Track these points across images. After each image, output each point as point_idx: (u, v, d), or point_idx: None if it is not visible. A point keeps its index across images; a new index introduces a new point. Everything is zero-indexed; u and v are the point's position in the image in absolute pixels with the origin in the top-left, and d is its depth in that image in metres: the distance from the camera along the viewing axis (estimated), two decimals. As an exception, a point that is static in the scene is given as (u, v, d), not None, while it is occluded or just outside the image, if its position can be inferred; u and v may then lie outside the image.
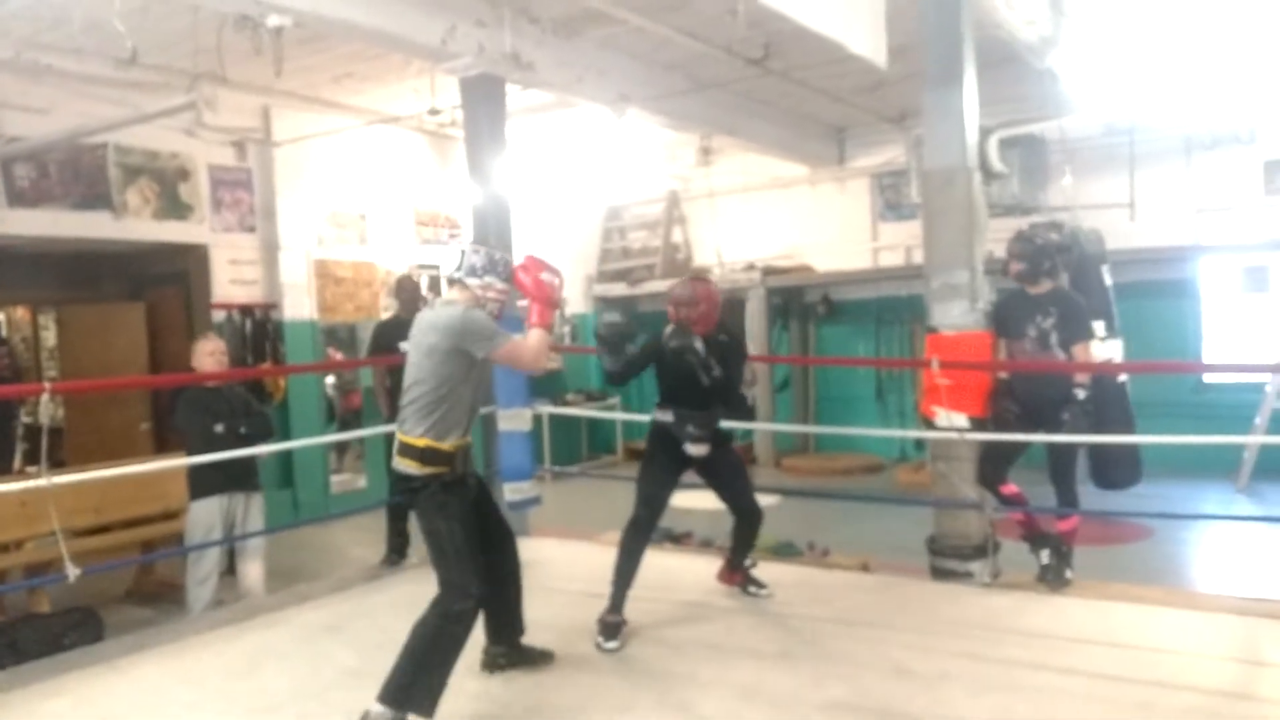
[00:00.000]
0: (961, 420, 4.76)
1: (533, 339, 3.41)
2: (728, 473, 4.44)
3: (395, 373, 5.79)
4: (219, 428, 4.95)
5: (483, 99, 6.27)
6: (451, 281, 3.49)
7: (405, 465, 3.33)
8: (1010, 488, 4.80)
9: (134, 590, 6.37)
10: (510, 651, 3.75)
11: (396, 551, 5.67)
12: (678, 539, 5.85)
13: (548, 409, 7.45)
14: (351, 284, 8.78)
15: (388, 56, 7.14)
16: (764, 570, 5.17)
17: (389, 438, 5.61)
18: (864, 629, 4.18)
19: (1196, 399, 8.83)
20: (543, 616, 4.42)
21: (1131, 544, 6.55)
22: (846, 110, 9.53)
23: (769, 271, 10.62)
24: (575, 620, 4.30)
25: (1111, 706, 3.30)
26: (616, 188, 11.66)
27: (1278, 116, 8.45)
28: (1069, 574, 4.69)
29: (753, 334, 10.36)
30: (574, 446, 10.87)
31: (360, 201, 8.99)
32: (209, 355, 5.14)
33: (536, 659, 3.79)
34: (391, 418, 5.66)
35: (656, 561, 5.48)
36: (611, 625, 4.03)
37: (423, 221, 9.51)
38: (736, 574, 4.65)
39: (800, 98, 8.97)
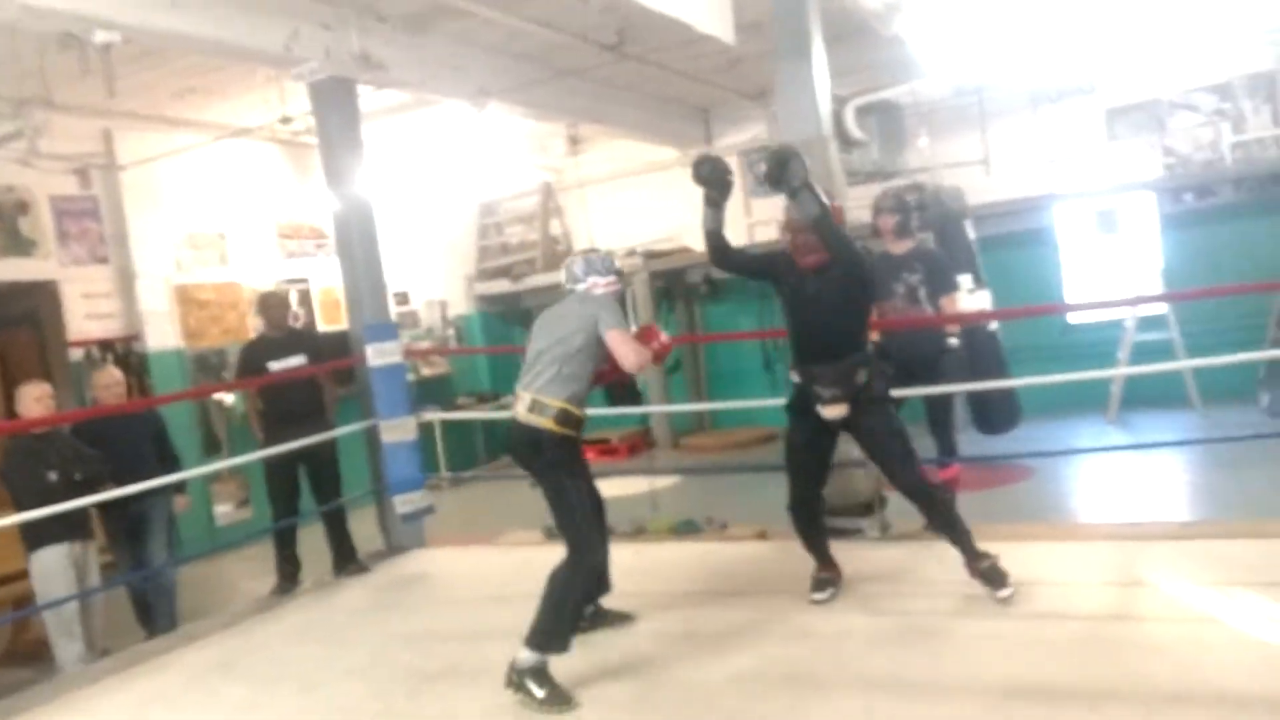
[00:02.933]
0: (839, 383, 4.85)
1: (641, 348, 3.60)
2: (874, 441, 3.95)
3: (266, 395, 5.61)
4: (53, 475, 4.72)
5: (334, 103, 6.10)
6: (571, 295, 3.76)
7: (539, 421, 3.51)
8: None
9: (12, 651, 5.98)
10: (594, 614, 3.94)
11: (288, 579, 5.50)
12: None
13: (438, 415, 7.32)
14: (216, 306, 8.41)
15: (231, 67, 6.84)
16: (665, 551, 5.22)
17: (267, 464, 5.48)
18: (765, 597, 4.23)
19: (1063, 340, 9.25)
20: (444, 627, 4.36)
21: (1013, 485, 6.83)
22: (708, 90, 9.61)
23: (650, 256, 10.66)
24: (479, 627, 4.24)
25: (1004, 643, 3.42)
26: (487, 183, 11.49)
27: (1116, 66, 8.88)
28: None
29: (641, 318, 10.38)
30: (470, 450, 10.65)
31: (218, 220, 8.61)
32: (36, 401, 4.89)
33: (616, 620, 4.00)
34: (266, 442, 5.47)
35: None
36: (819, 580, 4.08)
37: (286, 235, 9.19)
38: (975, 564, 3.86)
39: (661, 81, 9.00)
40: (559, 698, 3.29)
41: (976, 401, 6.71)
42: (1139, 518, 5.54)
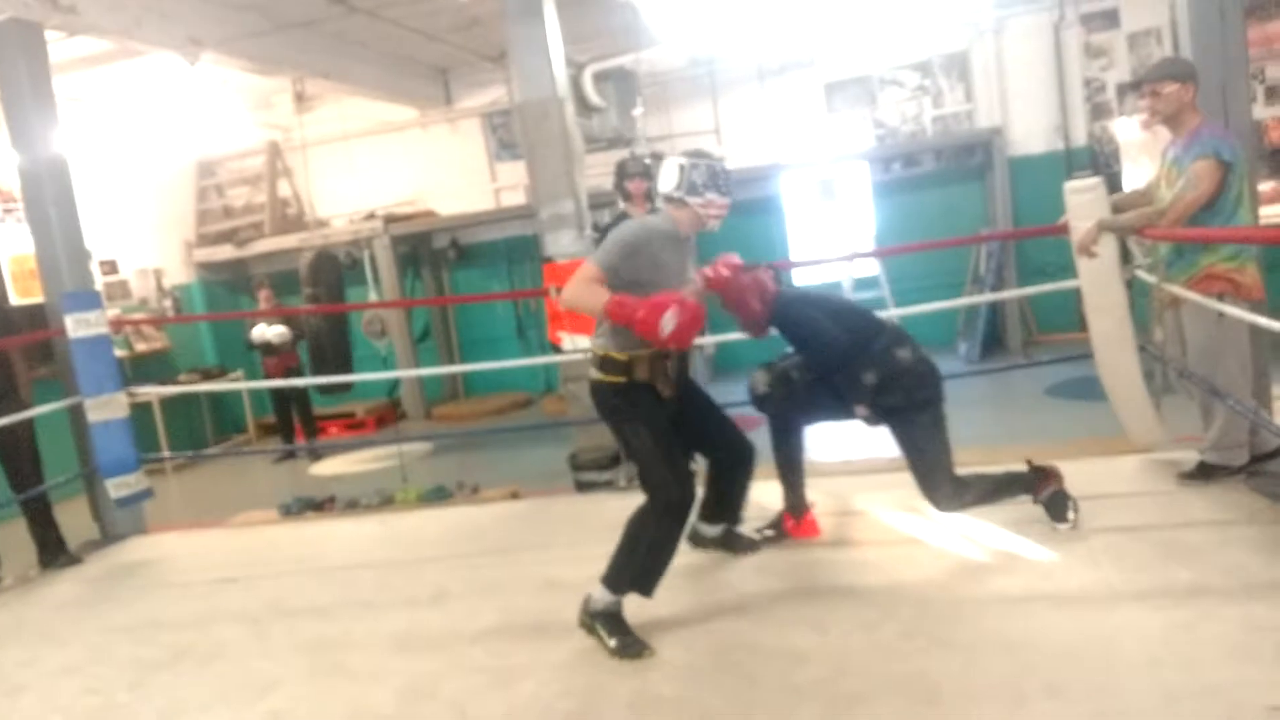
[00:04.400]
0: (584, 341, 4.94)
1: (594, 290, 3.09)
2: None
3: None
4: None
5: (18, 49, 5.41)
6: (670, 200, 3.29)
7: (591, 373, 3.33)
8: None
9: None
10: (723, 535, 3.85)
11: (52, 549, 4.98)
12: (320, 506, 5.59)
13: (154, 390, 6.70)
14: (-126, 277, 7.26)
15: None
16: (414, 519, 5.13)
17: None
18: (516, 554, 4.26)
19: (790, 299, 9.90)
20: (170, 614, 4.06)
21: (748, 432, 7.24)
22: (446, 50, 9.37)
23: (391, 219, 10.30)
24: (209, 611, 3.98)
25: (735, 573, 3.66)
26: (206, 141, 10.57)
27: (832, 43, 9.55)
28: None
29: (384, 285, 10.06)
30: (196, 430, 9.82)
31: (-128, 179, 7.42)
32: None
33: (741, 547, 3.84)
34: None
35: (299, 533, 5.25)
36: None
37: (-37, 196, 8.07)
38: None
39: (396, 38, 8.67)
40: (632, 647, 3.08)
41: None
42: (856, 455, 6.06)
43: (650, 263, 3.18)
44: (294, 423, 8.80)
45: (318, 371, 8.68)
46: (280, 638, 3.60)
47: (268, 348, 8.44)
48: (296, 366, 8.55)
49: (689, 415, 3.52)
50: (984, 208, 9.67)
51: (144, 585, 4.54)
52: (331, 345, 8.95)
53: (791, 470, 3.96)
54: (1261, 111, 8.85)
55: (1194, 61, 4.13)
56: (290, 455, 8.64)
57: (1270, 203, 9.65)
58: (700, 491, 3.56)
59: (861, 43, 9.57)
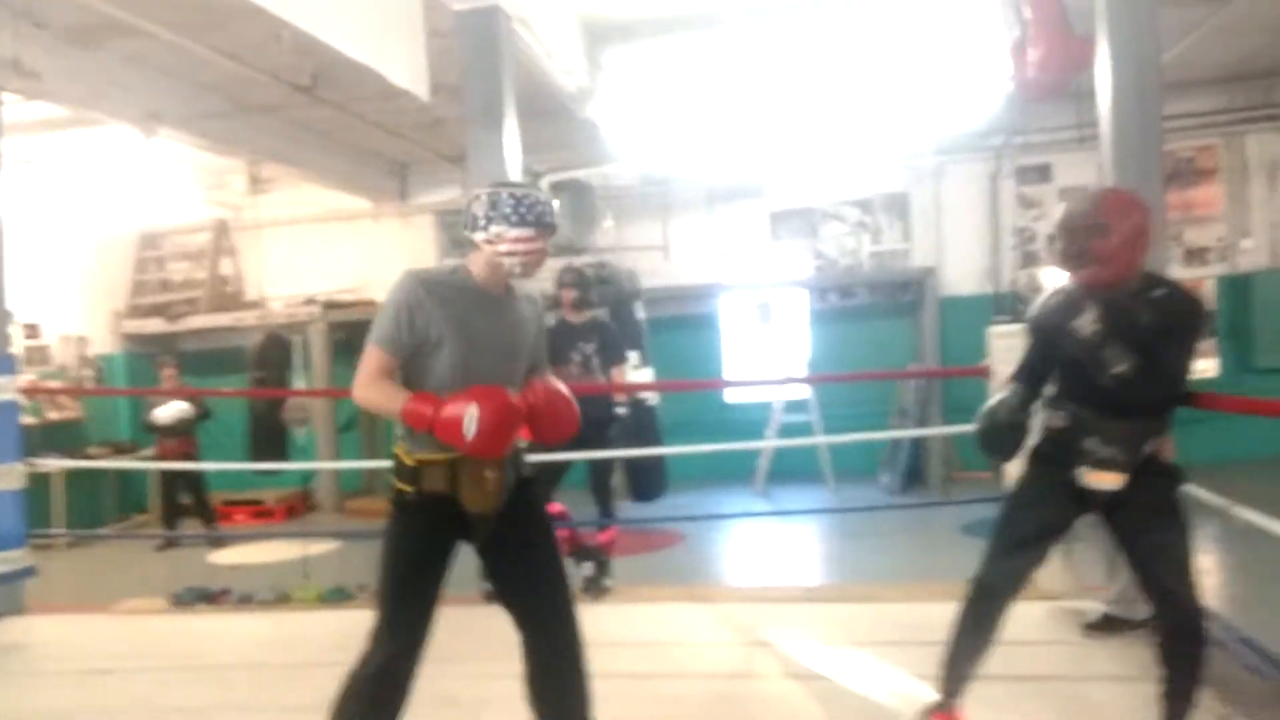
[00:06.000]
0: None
1: (387, 390, 2.48)
2: (1145, 531, 2.75)
3: None
4: None
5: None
6: (474, 246, 2.53)
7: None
8: (555, 506, 5.03)
9: None
10: None
11: None
12: (212, 598, 5.33)
13: (55, 463, 6.41)
14: None
15: None
16: (311, 621, 4.91)
17: None
18: (412, 664, 4.08)
19: (720, 417, 9.98)
20: (34, 705, 3.79)
21: (666, 550, 7.18)
22: (407, 146, 9.52)
23: (330, 306, 10.22)
24: (75, 704, 3.73)
25: (637, 702, 3.52)
26: (153, 213, 10.48)
27: (779, 176, 9.92)
28: (608, 583, 5.01)
29: (315, 370, 9.90)
30: (98, 506, 9.36)
31: None
32: None
33: None
34: None
35: (185, 625, 4.99)
36: None
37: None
38: None
39: (358, 130, 8.79)
40: None
41: (633, 470, 7.08)
42: (773, 582, 6.01)
43: (432, 323, 2.45)
44: (181, 510, 8.48)
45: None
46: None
47: (169, 429, 8.12)
48: (194, 452, 8.28)
49: (504, 554, 2.67)
50: (913, 342, 9.93)
51: (7, 672, 4.25)
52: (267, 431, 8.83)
53: None
54: (1180, 272, 9.34)
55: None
56: (173, 543, 8.29)
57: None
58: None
59: (807, 177, 9.96)
